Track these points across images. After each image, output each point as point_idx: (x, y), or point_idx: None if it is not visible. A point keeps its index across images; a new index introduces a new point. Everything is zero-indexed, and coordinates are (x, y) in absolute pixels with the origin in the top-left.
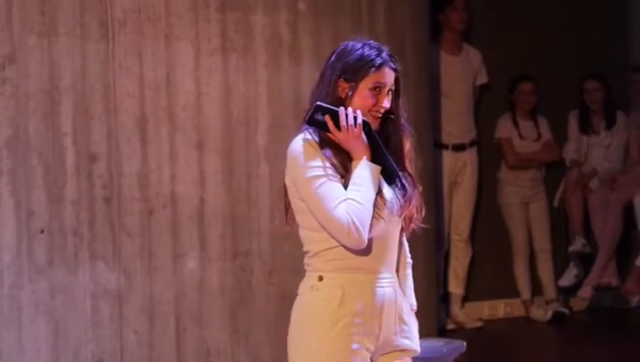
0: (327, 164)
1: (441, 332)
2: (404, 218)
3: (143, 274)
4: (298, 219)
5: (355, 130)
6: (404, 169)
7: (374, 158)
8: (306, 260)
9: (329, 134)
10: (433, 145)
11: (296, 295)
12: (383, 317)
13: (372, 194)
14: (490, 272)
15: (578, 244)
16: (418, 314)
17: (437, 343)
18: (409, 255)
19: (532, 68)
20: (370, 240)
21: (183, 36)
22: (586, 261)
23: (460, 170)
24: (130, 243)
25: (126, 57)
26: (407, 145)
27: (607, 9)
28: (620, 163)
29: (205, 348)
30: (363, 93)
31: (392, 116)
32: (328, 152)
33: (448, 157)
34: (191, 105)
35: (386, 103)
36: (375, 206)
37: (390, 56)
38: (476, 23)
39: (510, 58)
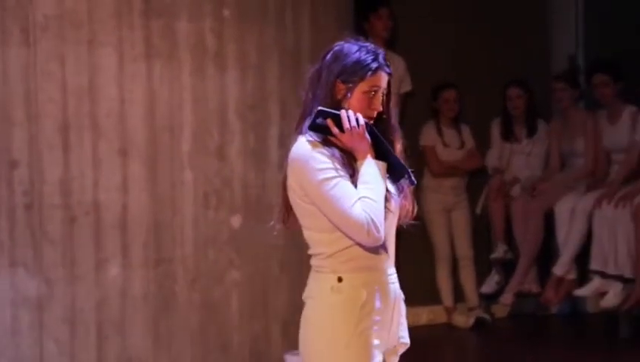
0: (337, 165)
1: None
2: (400, 213)
3: (65, 282)
4: (306, 222)
5: (359, 130)
6: None
7: (378, 156)
8: (316, 262)
9: (331, 138)
10: None
11: (219, 302)
12: (395, 312)
13: (383, 191)
14: (413, 279)
15: (500, 251)
16: None
17: None
18: None
19: (455, 75)
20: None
21: (106, 42)
22: (507, 268)
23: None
24: (52, 250)
25: (48, 63)
26: (399, 146)
27: (530, 18)
28: (541, 170)
29: (127, 356)
30: (358, 95)
31: (384, 117)
32: (336, 151)
33: None
34: (114, 112)
35: (379, 106)
36: (385, 200)
37: (385, 59)
38: (400, 31)
39: (434, 66)
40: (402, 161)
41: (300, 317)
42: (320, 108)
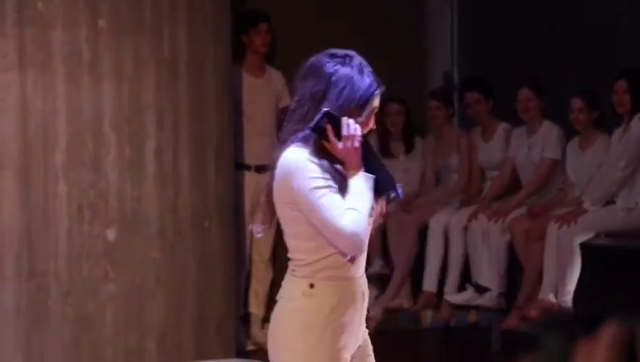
0: (327, 175)
1: (241, 353)
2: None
3: None
4: (289, 228)
5: (354, 142)
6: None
7: (367, 169)
8: (293, 266)
9: (325, 143)
10: (235, 166)
11: (93, 316)
12: (362, 315)
13: (369, 203)
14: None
15: (376, 266)
16: (218, 334)
17: None
18: None
19: None
20: None
21: None
22: (384, 283)
23: (262, 192)
24: None
25: None
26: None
27: (406, 34)
28: (417, 186)
29: None
30: (368, 117)
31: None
32: (325, 163)
33: (250, 179)
34: None
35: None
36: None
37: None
38: (279, 46)
39: None
40: (390, 176)
41: (175, 332)
42: (327, 109)
